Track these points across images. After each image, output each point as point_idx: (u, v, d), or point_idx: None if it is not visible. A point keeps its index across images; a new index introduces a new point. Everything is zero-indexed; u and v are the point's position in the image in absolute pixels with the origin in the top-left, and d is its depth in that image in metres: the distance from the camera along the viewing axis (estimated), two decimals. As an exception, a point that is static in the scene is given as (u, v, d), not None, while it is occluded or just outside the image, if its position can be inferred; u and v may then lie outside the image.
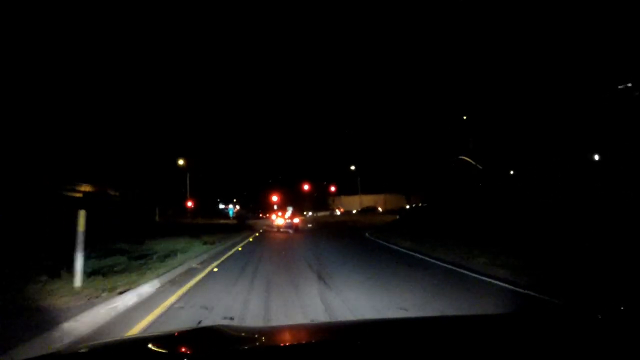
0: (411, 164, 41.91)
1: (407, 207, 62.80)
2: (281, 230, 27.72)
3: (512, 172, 31.19)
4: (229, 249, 14.84)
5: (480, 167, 30.09)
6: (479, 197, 27.35)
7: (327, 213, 61.66)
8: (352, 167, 55.11)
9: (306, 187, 52.60)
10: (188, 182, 45.49)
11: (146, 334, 4.05)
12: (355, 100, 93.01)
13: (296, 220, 29.57)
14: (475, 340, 1.64)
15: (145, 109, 58.14)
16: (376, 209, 61.27)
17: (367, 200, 62.91)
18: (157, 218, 43.96)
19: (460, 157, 32.21)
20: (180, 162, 45.11)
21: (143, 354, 1.51)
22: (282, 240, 19.22)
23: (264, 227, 32.79)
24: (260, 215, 64.44)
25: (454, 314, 5.00)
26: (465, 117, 32.35)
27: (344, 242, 17.65)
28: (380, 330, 2.00)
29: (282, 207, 42.16)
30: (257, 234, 24.36)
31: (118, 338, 3.45)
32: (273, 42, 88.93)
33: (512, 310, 5.37)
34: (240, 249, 14.91)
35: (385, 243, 16.95)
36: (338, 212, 64.41)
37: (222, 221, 44.25)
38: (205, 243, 15.27)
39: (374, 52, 76.33)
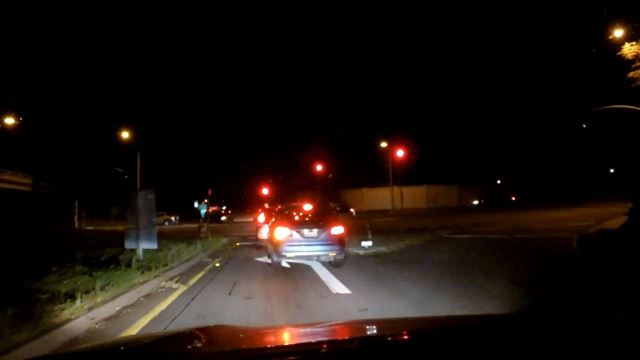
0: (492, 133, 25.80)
1: (477, 202, 40.47)
2: (286, 262, 9.86)
3: None
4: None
5: None
6: None
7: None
8: (383, 144, 38.61)
9: (319, 167, 35.25)
10: (139, 164, 29.99)
11: (147, 334, 3.75)
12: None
13: (337, 229, 9.58)
14: (475, 340, 1.58)
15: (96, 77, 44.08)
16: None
17: (403, 193, 46.07)
18: (76, 222, 28.96)
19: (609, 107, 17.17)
20: (125, 134, 29.62)
21: (144, 354, 1.51)
22: None
23: (237, 246, 15.52)
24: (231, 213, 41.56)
25: None
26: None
27: None
28: (381, 331, 2.00)
29: (273, 203, 25.28)
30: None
31: (118, 338, 3.47)
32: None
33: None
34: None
35: None
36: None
37: (185, 225, 33.42)
38: None
39: None
